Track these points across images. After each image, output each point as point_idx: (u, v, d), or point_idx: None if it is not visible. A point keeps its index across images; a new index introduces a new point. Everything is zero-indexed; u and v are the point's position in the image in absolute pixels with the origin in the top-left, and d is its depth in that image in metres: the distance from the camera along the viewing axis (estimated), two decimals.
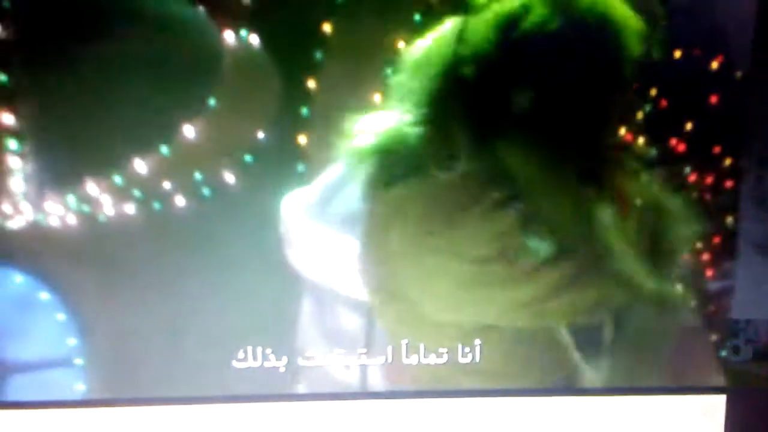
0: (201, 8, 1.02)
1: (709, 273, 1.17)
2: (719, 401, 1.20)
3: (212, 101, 1.05)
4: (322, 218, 1.11)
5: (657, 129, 1.10)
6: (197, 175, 1.05)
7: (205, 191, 1.06)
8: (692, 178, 1.12)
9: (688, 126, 1.11)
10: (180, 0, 1.01)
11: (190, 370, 1.10)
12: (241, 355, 1.09)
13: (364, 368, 1.14)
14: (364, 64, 1.07)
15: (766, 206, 1.18)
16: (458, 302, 1.12)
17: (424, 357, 1.14)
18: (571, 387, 1.16)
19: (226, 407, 1.12)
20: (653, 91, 1.08)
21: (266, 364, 1.10)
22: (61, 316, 1.08)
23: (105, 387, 1.11)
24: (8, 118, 0.98)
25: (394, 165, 1.07)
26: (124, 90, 1.01)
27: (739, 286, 1.19)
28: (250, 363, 1.10)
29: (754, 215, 1.17)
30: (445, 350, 1.14)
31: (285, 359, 1.11)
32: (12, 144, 0.99)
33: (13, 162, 1.00)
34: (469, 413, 1.17)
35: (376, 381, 1.15)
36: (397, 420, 1.17)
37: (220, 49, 1.04)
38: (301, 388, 1.14)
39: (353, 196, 1.10)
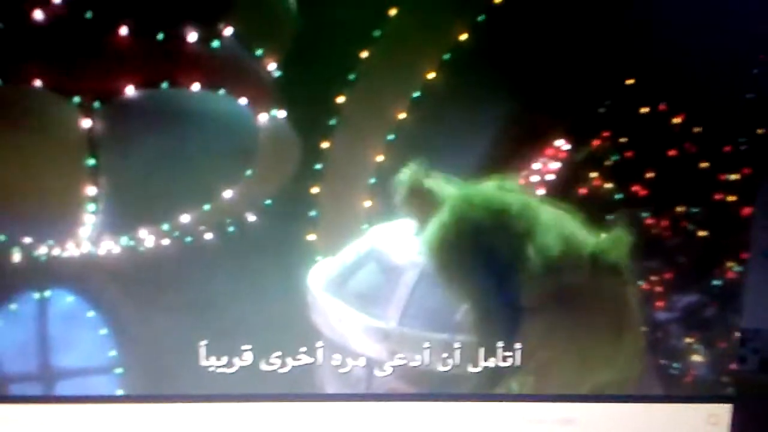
0: (242, 99, 1.29)
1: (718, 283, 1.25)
2: (725, 410, 1.22)
3: (248, 172, 1.31)
4: (338, 294, 1.35)
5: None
6: (226, 218, 1.32)
7: (230, 228, 1.32)
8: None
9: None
10: (224, 97, 1.29)
11: (208, 377, 1.32)
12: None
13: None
14: (370, 129, 1.31)
15: None
16: None
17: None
18: (576, 394, 1.25)
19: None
20: None
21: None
22: (103, 331, 1.34)
23: (139, 391, 1.35)
24: (92, 190, 1.27)
25: None
26: (180, 167, 1.29)
27: (748, 295, 1.23)
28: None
29: (766, 224, 1.22)
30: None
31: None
32: (90, 207, 1.28)
33: (87, 218, 1.28)
34: (468, 416, 1.29)
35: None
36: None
37: (255, 130, 1.30)
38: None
39: (366, 278, 1.35)
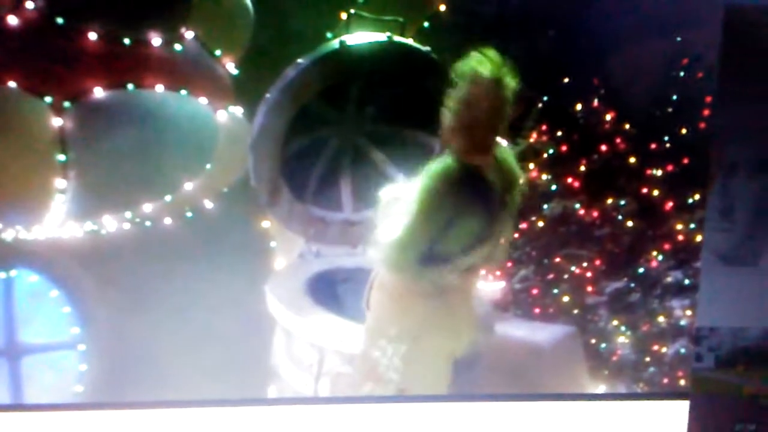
0: (201, 99, 1.35)
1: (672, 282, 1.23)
2: (682, 407, 1.17)
3: (208, 166, 1.37)
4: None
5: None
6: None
7: (189, 214, 1.39)
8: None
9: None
10: (185, 97, 1.36)
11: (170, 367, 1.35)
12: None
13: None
14: None
15: (730, 216, 1.19)
16: None
17: None
18: (536, 393, 1.23)
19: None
20: None
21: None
22: (66, 309, 1.39)
23: (101, 367, 1.40)
24: (61, 183, 1.33)
25: None
26: (145, 162, 1.36)
27: (702, 294, 1.20)
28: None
29: (718, 225, 1.19)
30: None
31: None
32: (60, 198, 1.33)
33: (56, 207, 1.34)
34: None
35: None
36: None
37: (215, 126, 1.37)
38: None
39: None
